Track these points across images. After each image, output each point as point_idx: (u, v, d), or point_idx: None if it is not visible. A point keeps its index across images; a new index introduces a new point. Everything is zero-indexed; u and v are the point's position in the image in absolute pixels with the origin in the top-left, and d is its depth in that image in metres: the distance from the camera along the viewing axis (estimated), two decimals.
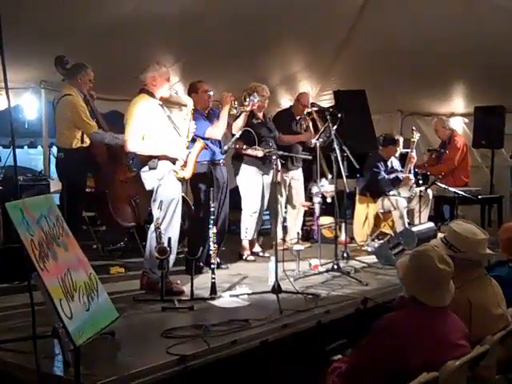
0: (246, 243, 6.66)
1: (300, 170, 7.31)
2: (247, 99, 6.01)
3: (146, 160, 4.98)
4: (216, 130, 5.82)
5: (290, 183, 7.23)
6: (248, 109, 6.04)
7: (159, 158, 4.96)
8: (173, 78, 6.50)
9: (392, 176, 7.33)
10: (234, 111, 5.92)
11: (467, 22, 7.08)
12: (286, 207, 7.11)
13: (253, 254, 6.69)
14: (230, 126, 6.03)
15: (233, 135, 5.74)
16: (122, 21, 6.24)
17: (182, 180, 5.08)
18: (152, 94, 5.05)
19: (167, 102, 5.21)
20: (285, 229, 6.92)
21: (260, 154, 6.14)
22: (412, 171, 7.48)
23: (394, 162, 7.62)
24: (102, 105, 6.56)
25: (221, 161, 6.02)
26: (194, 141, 5.26)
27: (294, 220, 7.27)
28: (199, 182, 5.80)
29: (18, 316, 4.08)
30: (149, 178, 5.01)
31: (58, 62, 6.02)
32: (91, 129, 5.84)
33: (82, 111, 5.80)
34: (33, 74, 7.16)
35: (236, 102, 5.90)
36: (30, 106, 7.56)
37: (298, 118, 7.22)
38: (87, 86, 6.00)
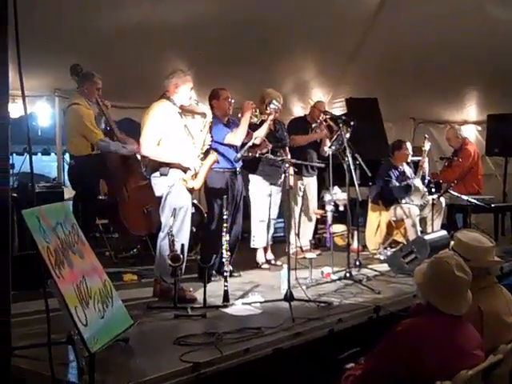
0: (260, 251, 6.64)
1: (315, 177, 7.26)
2: (268, 108, 5.97)
3: (157, 166, 4.99)
4: (235, 137, 5.81)
5: (304, 190, 7.18)
6: (271, 117, 6.01)
7: (171, 165, 4.95)
8: None
9: (403, 183, 7.30)
10: (255, 119, 5.89)
11: (480, 31, 7.07)
12: (300, 215, 7.10)
13: (266, 261, 6.67)
14: (249, 134, 5.94)
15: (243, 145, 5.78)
16: (133, 29, 6.32)
17: (190, 190, 5.05)
18: (172, 101, 5.06)
19: (182, 110, 5.22)
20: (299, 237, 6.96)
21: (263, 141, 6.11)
22: (426, 180, 7.45)
23: (407, 169, 7.59)
24: (114, 112, 6.59)
25: (237, 168, 5.98)
26: (207, 152, 5.25)
27: (305, 228, 7.26)
28: (215, 190, 5.77)
29: (33, 323, 4.10)
30: (159, 184, 5.01)
31: (73, 70, 6.09)
32: (96, 137, 5.87)
33: (86, 120, 5.84)
34: (47, 83, 7.26)
35: (258, 110, 5.89)
36: (44, 114, 7.64)
37: (313, 125, 7.19)
38: (95, 95, 6.03)
